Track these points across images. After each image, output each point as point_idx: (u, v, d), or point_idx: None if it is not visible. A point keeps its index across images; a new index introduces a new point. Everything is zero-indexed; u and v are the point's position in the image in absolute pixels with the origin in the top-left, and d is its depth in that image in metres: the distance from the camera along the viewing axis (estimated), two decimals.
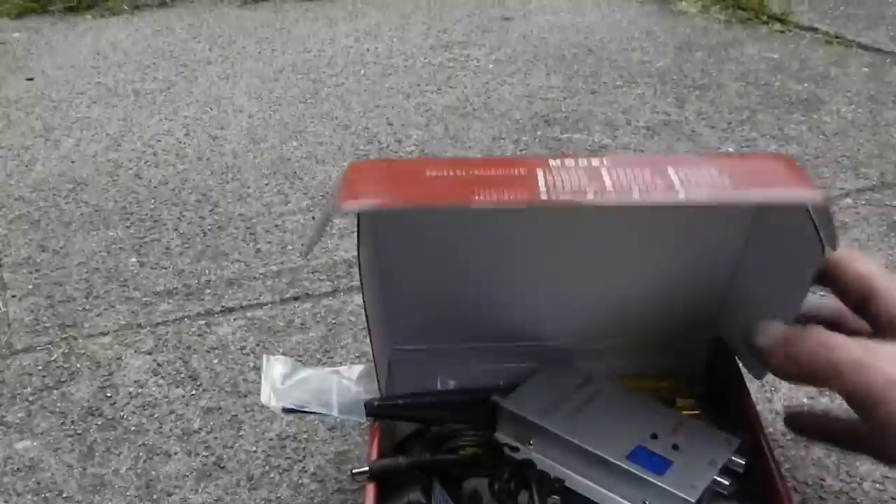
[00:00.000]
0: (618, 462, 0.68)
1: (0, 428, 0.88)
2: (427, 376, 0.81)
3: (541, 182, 0.53)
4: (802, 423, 0.74)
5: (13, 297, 1.07)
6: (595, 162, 0.55)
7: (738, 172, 0.57)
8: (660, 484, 0.66)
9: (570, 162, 0.55)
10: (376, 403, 0.73)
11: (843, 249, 0.60)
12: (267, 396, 0.74)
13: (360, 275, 0.68)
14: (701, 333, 0.81)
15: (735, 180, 0.56)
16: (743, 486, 0.70)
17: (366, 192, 0.58)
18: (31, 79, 1.63)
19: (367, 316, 0.71)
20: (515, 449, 0.73)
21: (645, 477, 0.67)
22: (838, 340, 0.54)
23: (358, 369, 0.78)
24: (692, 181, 0.56)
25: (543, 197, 0.52)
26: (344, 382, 0.76)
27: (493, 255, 0.75)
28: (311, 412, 0.75)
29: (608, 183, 0.53)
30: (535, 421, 0.72)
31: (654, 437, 0.71)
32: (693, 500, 0.65)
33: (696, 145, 1.32)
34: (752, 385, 0.76)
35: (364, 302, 0.70)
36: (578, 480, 0.71)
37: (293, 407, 0.74)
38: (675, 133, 1.35)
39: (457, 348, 0.81)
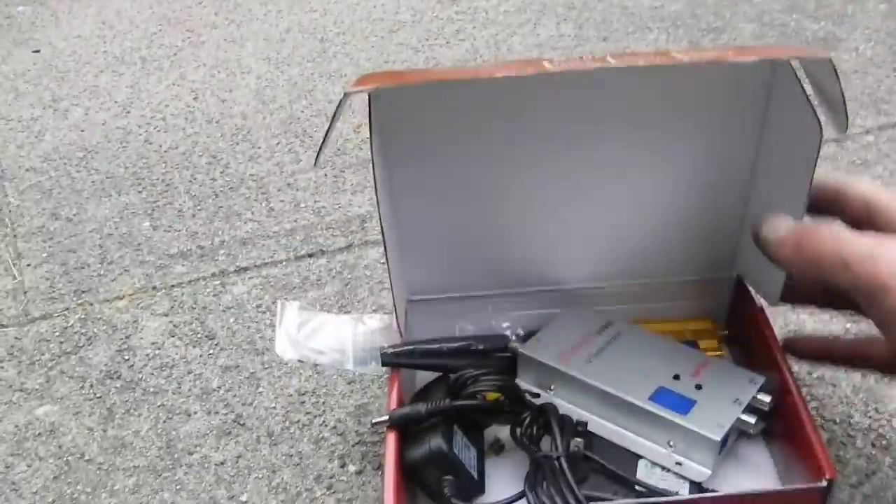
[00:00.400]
0: (640, 404, 0.67)
1: (20, 394, 0.88)
2: (445, 325, 0.80)
3: (547, 64, 0.55)
4: (801, 346, 0.73)
5: (28, 265, 1.06)
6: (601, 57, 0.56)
7: (740, 49, 0.59)
8: (683, 424, 0.65)
9: (576, 59, 0.57)
10: (391, 352, 0.72)
11: (844, 176, 0.62)
12: (282, 347, 0.73)
13: (380, 219, 0.67)
14: (722, 273, 0.80)
15: (737, 51, 0.59)
16: (769, 425, 0.69)
17: (374, 80, 0.59)
18: (37, 51, 1.62)
19: (388, 264, 0.70)
20: (536, 395, 0.72)
21: (668, 417, 0.66)
22: (847, 234, 0.55)
23: (377, 318, 0.77)
24: (695, 55, 0.59)
25: (549, 67, 0.54)
26: (360, 332, 0.75)
27: (508, 195, 0.74)
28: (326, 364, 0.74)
29: (613, 60, 0.54)
30: (555, 366, 0.71)
31: (677, 377, 0.69)
32: (718, 439, 0.64)
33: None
34: (776, 325, 0.75)
35: (385, 250, 0.69)
36: (601, 424, 0.70)
37: (307, 360, 0.73)
38: None
39: (474, 296, 0.80)
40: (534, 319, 0.79)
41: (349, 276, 0.98)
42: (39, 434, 0.83)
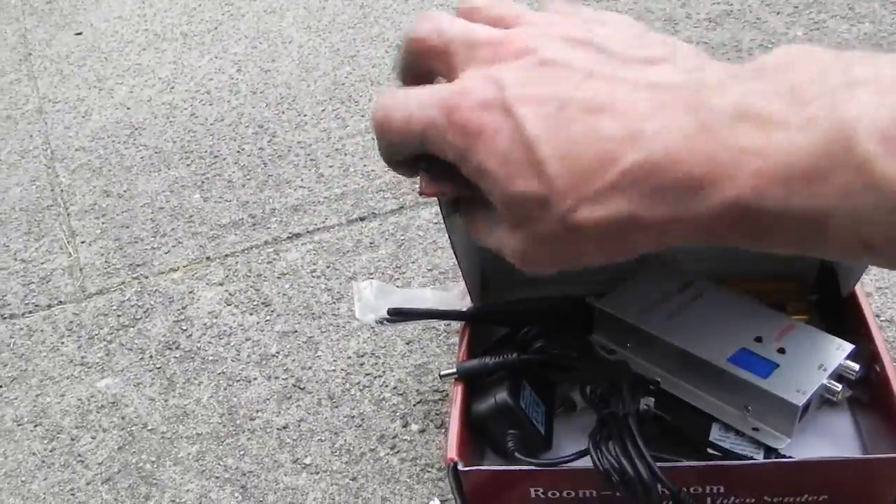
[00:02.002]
0: (719, 365, 0.64)
1: (81, 368, 0.88)
2: (520, 282, 0.77)
3: None
4: None
5: (82, 243, 1.06)
6: None
7: None
8: (763, 387, 0.62)
9: None
10: (474, 309, 0.70)
11: None
12: (362, 312, 0.71)
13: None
14: None
15: None
16: (856, 394, 0.66)
17: None
18: (79, 33, 1.63)
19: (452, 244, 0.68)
20: (612, 352, 0.69)
21: (748, 380, 0.63)
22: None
23: (456, 286, 0.75)
24: None
25: None
26: (438, 295, 0.74)
27: None
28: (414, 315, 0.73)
29: None
30: (632, 322, 0.69)
31: (759, 340, 0.66)
32: (799, 405, 0.60)
33: (762, 33, 1.25)
34: (870, 289, 0.72)
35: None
36: (676, 384, 0.67)
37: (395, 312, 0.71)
38: (738, 23, 1.28)
39: None
40: (611, 277, 0.76)
41: (402, 238, 0.96)
42: (102, 406, 0.84)
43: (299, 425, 0.77)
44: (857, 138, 0.27)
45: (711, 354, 0.65)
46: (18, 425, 0.83)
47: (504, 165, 0.33)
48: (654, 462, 0.57)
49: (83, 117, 1.33)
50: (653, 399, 0.63)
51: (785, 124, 0.28)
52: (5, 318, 0.97)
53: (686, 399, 0.66)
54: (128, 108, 1.33)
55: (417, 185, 0.39)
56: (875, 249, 0.28)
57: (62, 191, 1.17)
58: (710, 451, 0.63)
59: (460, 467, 0.61)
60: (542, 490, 0.62)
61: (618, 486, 0.57)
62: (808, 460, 0.60)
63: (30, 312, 0.97)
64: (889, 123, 0.27)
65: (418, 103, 0.36)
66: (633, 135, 0.31)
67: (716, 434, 0.64)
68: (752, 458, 0.62)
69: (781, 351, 0.65)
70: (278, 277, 0.94)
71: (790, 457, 0.62)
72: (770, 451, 0.62)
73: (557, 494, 0.62)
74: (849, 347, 0.65)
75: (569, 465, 0.61)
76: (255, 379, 0.83)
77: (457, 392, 0.65)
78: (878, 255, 0.29)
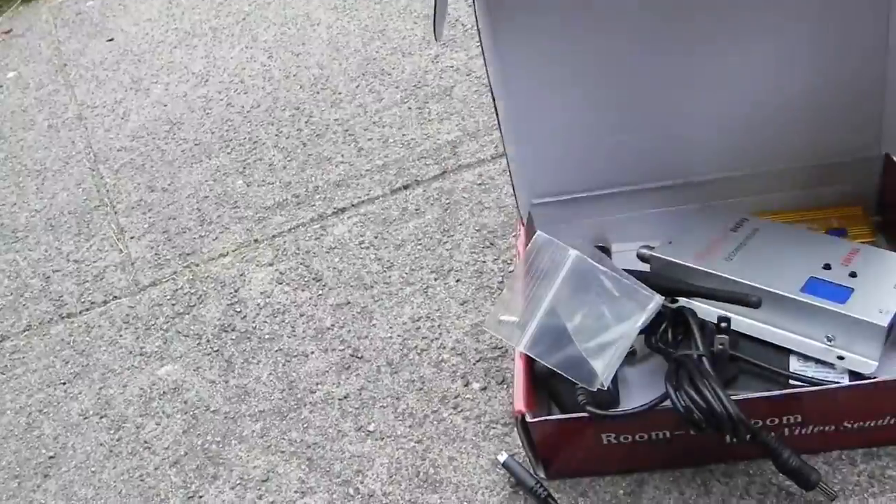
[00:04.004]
0: (792, 296, 0.62)
1: (140, 358, 0.88)
2: (569, 229, 0.76)
3: None
4: None
5: (132, 238, 1.07)
6: None
7: None
8: (843, 312, 0.59)
9: None
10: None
11: None
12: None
13: (499, 122, 0.64)
14: (868, 152, 0.73)
15: None
16: None
17: None
18: (111, 39, 1.64)
19: (510, 171, 0.67)
20: (674, 300, 0.67)
21: (825, 307, 0.60)
22: None
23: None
24: None
25: None
26: None
27: (627, 80, 0.68)
28: None
29: None
30: (693, 266, 0.67)
31: (828, 267, 0.64)
32: (885, 325, 0.58)
33: None
34: None
35: (506, 156, 0.66)
36: (745, 322, 0.65)
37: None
38: None
39: (598, 195, 0.76)
40: (663, 217, 0.74)
41: (448, 202, 0.95)
42: (164, 393, 0.84)
43: (360, 394, 0.77)
44: None
45: (782, 287, 0.62)
46: (84, 418, 0.84)
47: None
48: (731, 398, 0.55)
49: (122, 119, 1.34)
50: (727, 337, 0.61)
51: None
52: (63, 317, 0.98)
53: (759, 337, 0.64)
54: (164, 106, 1.34)
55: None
56: None
57: (108, 190, 1.18)
58: (791, 382, 0.61)
59: (529, 418, 0.60)
60: (614, 436, 0.61)
61: (699, 424, 0.55)
62: (891, 380, 0.57)
63: (86, 310, 0.98)
64: None
65: None
66: None
67: (796, 365, 0.62)
68: (839, 384, 0.60)
69: (853, 275, 0.62)
70: (327, 252, 0.93)
71: (874, 376, 0.59)
72: (856, 376, 0.60)
73: (630, 438, 0.61)
74: None
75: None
76: (313, 353, 0.82)
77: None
78: None
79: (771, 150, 0.71)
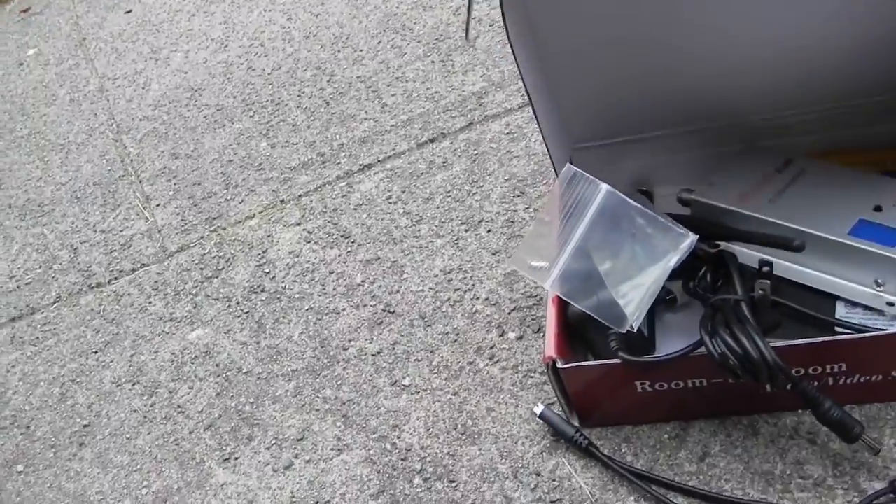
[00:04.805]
0: (839, 239, 0.58)
1: (171, 324, 0.87)
2: (611, 173, 0.72)
3: None
4: None
5: (157, 206, 1.06)
6: None
7: None
8: (894, 256, 0.56)
9: None
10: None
11: None
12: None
13: (521, 74, 0.61)
14: None
15: None
16: None
17: None
18: (129, 11, 1.62)
19: (538, 120, 0.64)
20: (715, 245, 0.63)
21: (874, 251, 0.57)
22: None
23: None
24: None
25: None
26: None
27: (667, 11, 0.64)
28: None
29: None
30: (734, 209, 0.63)
31: (878, 209, 0.60)
32: None
33: None
34: None
35: (532, 105, 0.63)
36: (789, 267, 0.61)
37: None
38: None
39: (639, 139, 0.72)
40: (707, 160, 0.70)
41: (475, 153, 0.93)
42: (196, 357, 0.83)
43: (394, 349, 0.75)
44: None
45: (828, 230, 0.59)
46: (117, 386, 0.83)
47: None
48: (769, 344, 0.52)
49: (143, 88, 1.33)
50: (768, 282, 0.58)
51: None
52: (92, 287, 0.97)
53: (803, 282, 0.61)
54: (185, 73, 1.32)
55: None
56: None
57: (132, 160, 1.16)
58: (837, 329, 0.58)
59: (559, 365, 0.58)
60: (648, 384, 0.59)
61: (736, 371, 0.52)
62: None
63: (115, 279, 0.97)
64: None
65: None
66: None
67: (842, 312, 0.59)
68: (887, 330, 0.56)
69: None
70: (354, 209, 0.91)
71: None
72: None
73: (665, 386, 0.58)
74: None
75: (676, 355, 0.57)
76: (344, 310, 0.80)
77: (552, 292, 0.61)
78: None
79: (820, 87, 0.66)
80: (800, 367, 0.55)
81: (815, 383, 0.54)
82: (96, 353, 0.88)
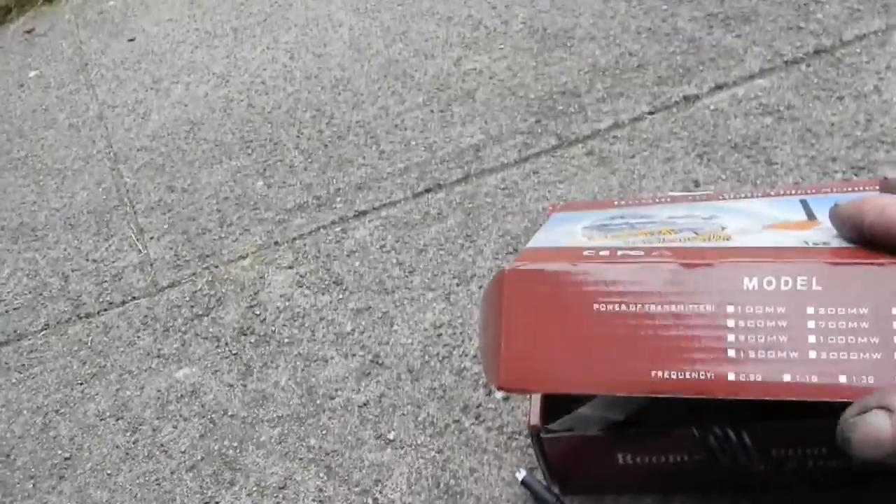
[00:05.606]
0: None
1: (158, 360, 0.87)
2: None
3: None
4: None
5: (151, 238, 1.06)
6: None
7: None
8: None
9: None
10: None
11: None
12: None
13: None
14: None
15: None
16: None
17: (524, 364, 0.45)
18: (132, 39, 1.63)
19: None
20: None
21: None
22: None
23: None
24: None
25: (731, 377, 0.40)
26: None
27: None
28: None
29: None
30: None
31: None
32: None
33: None
34: None
35: None
36: None
37: None
38: None
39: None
40: None
41: (470, 206, 0.94)
42: (182, 396, 0.83)
43: (380, 401, 0.75)
44: None
45: None
46: (101, 420, 0.83)
47: None
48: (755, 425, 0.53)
49: (142, 118, 1.33)
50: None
51: None
52: (81, 317, 0.97)
53: None
54: (185, 106, 1.33)
55: None
56: None
57: (128, 190, 1.17)
58: None
59: (542, 435, 0.59)
60: (630, 456, 0.59)
61: (715, 452, 0.53)
62: None
63: (105, 310, 0.97)
64: None
65: None
66: None
67: None
68: None
69: None
70: (347, 256, 0.92)
71: None
72: None
73: (647, 460, 0.59)
74: None
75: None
76: (332, 358, 0.81)
77: None
78: None
79: None
80: (783, 448, 0.56)
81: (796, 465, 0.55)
82: (82, 384, 0.88)
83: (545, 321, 0.44)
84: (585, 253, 0.48)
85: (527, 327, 0.45)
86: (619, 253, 0.46)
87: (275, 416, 0.77)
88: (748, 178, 0.86)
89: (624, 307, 0.42)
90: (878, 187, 0.49)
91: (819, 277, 0.39)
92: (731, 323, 0.40)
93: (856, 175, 0.84)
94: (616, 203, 0.65)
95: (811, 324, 0.39)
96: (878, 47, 0.99)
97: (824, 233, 0.44)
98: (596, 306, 0.43)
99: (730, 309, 0.40)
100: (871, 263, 0.38)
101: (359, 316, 0.84)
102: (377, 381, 0.77)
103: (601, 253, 0.47)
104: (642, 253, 0.45)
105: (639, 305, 0.42)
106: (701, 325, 0.40)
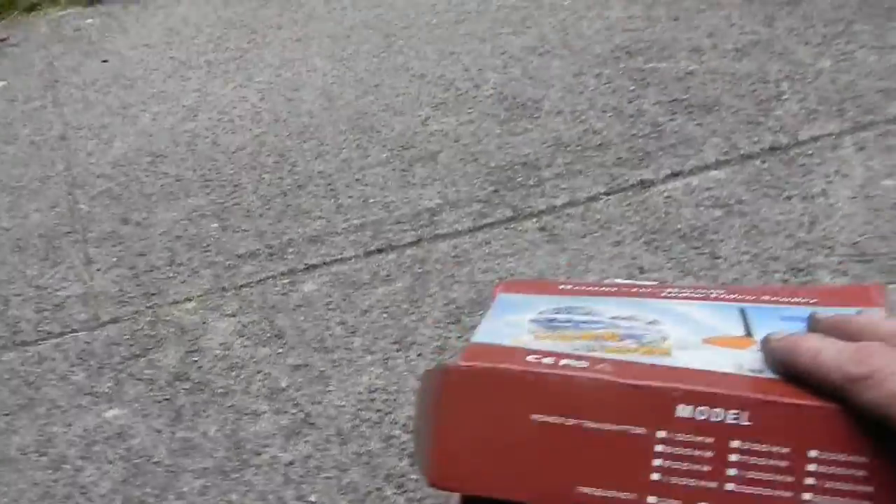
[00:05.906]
0: None
1: (90, 398, 0.87)
2: None
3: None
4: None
5: (98, 270, 1.06)
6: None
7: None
8: None
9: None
10: None
11: None
12: None
13: None
14: None
15: None
16: None
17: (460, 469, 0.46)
18: (105, 61, 1.63)
19: None
20: None
21: None
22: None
23: None
24: None
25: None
26: None
27: None
28: None
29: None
30: None
31: None
32: None
33: (790, 63, 1.22)
34: None
35: None
36: None
37: None
38: (765, 53, 1.26)
39: None
40: None
41: (419, 271, 0.95)
42: (108, 437, 0.82)
43: (306, 462, 0.75)
44: None
45: None
46: (23, 454, 0.82)
47: None
48: None
49: (105, 144, 1.33)
50: None
51: None
52: (17, 344, 0.96)
53: None
54: (150, 136, 1.33)
55: None
56: None
57: (81, 217, 1.16)
58: None
59: None
60: None
61: None
62: None
63: (42, 340, 0.96)
64: None
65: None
66: None
67: None
68: None
69: None
70: (293, 309, 0.92)
71: None
72: None
73: None
74: None
75: None
76: (264, 413, 0.81)
77: None
78: None
79: None
80: None
81: None
82: (8, 415, 0.87)
83: (482, 423, 0.45)
84: (529, 358, 0.48)
85: (463, 427, 0.45)
86: (562, 363, 0.47)
87: (200, 467, 0.77)
88: (692, 269, 0.88)
89: (561, 420, 0.43)
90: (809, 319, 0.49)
91: (751, 413, 0.40)
92: (659, 448, 0.41)
93: (794, 277, 0.86)
94: (561, 287, 0.66)
95: (733, 457, 0.40)
96: (830, 150, 1.01)
97: (759, 358, 0.45)
98: (533, 416, 0.43)
99: (660, 434, 0.41)
100: (799, 404, 0.39)
101: (296, 372, 0.84)
102: (306, 440, 0.77)
103: (545, 361, 0.48)
104: (586, 364, 0.46)
105: (574, 420, 0.43)
106: (630, 447, 0.41)
